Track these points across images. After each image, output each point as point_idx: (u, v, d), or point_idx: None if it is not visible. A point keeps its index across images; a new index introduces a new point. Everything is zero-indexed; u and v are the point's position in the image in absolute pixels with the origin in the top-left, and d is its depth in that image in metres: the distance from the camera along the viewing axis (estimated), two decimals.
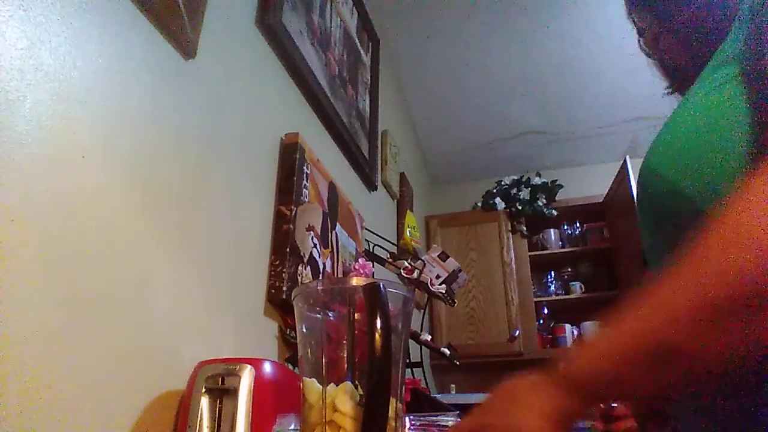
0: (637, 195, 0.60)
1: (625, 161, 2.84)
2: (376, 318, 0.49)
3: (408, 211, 2.51)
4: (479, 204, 3.51)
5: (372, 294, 0.52)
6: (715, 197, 0.48)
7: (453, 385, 2.98)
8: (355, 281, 0.58)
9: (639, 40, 0.69)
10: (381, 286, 0.52)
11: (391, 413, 0.53)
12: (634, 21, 0.68)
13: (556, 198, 3.39)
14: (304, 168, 1.35)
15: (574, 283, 3.24)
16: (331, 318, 0.58)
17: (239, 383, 0.74)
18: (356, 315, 0.56)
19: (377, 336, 0.48)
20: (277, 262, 1.21)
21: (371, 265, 1.51)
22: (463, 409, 1.14)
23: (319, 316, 0.59)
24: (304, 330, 0.60)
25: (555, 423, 0.43)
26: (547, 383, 0.46)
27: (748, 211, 0.39)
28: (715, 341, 0.39)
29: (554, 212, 3.32)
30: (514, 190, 3.41)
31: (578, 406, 0.44)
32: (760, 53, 0.47)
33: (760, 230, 0.38)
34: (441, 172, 3.74)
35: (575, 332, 3.17)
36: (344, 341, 0.56)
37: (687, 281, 0.41)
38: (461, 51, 2.66)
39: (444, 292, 1.63)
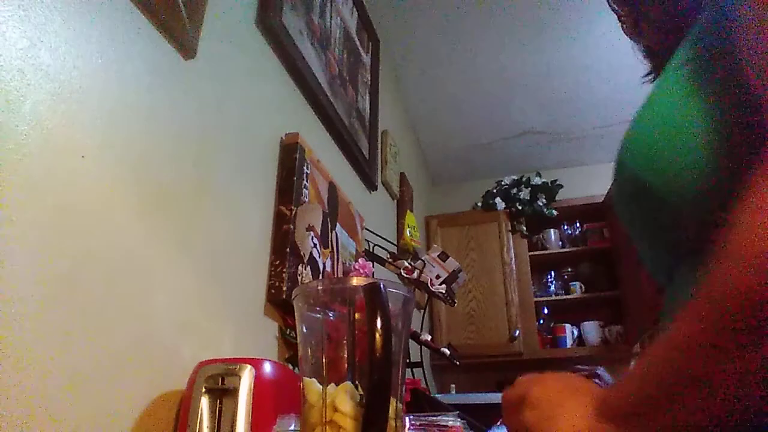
0: (613, 190, 0.57)
1: None
2: (377, 318, 0.49)
3: (408, 211, 2.51)
4: (479, 204, 3.51)
5: (372, 294, 0.52)
6: (677, 190, 0.46)
7: (453, 385, 2.98)
8: (356, 281, 0.58)
9: (622, 26, 0.68)
10: (381, 285, 0.52)
11: (391, 413, 0.53)
12: (613, 8, 0.68)
13: (556, 198, 3.39)
14: (304, 168, 1.35)
15: (574, 283, 3.24)
16: (332, 318, 0.58)
17: (239, 383, 0.74)
18: (356, 315, 0.56)
19: (377, 336, 0.48)
20: (277, 262, 1.21)
21: (371, 265, 1.51)
22: (463, 409, 1.14)
23: (319, 315, 0.59)
24: (305, 330, 0.60)
25: None
26: (587, 396, 0.44)
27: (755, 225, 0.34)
28: (729, 372, 0.34)
29: (554, 212, 3.32)
30: (514, 190, 3.41)
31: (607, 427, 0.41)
32: (717, 37, 0.45)
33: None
34: (441, 172, 3.73)
35: (575, 332, 3.17)
36: (344, 341, 0.56)
37: (699, 307, 0.36)
38: (461, 51, 2.66)
39: (444, 292, 1.63)
